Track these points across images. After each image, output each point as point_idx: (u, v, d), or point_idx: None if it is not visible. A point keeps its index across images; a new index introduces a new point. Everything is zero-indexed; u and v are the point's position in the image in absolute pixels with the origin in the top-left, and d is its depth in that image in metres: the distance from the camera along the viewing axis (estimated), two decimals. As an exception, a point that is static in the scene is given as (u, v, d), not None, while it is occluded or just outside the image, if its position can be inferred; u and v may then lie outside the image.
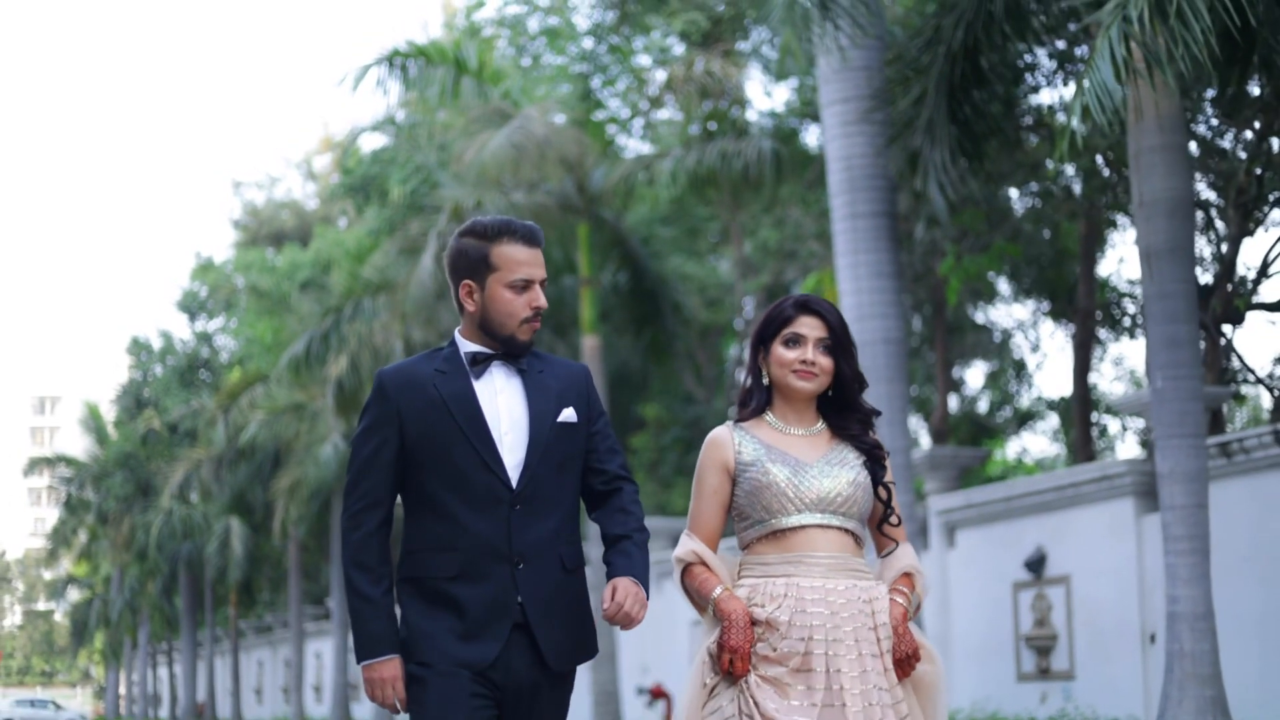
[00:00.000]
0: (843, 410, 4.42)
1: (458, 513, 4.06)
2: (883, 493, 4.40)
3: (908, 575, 4.39)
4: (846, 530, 4.32)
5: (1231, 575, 12.92)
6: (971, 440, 25.30)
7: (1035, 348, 24.48)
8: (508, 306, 4.14)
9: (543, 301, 4.16)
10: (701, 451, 4.42)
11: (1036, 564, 15.36)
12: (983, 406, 27.63)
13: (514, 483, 4.08)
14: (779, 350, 4.36)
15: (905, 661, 4.26)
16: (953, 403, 25.84)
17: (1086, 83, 9.93)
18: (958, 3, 13.63)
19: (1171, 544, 11.68)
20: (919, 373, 24.63)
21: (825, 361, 4.34)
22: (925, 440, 25.34)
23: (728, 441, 4.38)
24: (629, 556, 4.17)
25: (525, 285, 4.15)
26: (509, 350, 4.19)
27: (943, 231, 17.07)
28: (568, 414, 4.18)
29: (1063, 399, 25.55)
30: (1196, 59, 10.35)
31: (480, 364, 4.17)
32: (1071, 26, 14.88)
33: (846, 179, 14.94)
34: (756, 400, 4.43)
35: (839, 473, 4.33)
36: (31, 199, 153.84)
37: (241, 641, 46.30)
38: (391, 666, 4.05)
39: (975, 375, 27.18)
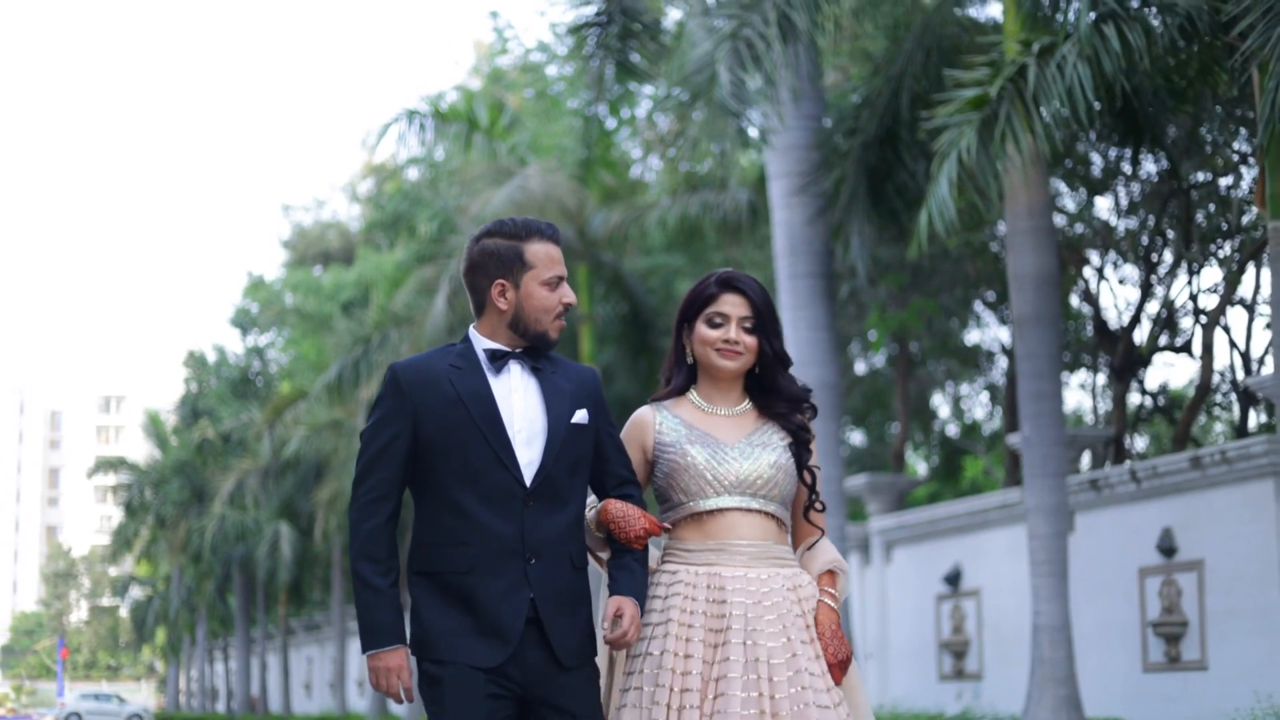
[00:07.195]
0: (769, 391, 4.32)
1: (471, 509, 4.02)
2: (807, 476, 4.31)
3: (831, 574, 4.30)
4: (769, 514, 4.23)
5: (1099, 594, 15.01)
6: (946, 460, 27.21)
7: (1006, 373, 26.34)
8: (544, 303, 4.11)
9: (572, 297, 4.14)
10: (623, 430, 4.35)
11: (954, 578, 17.48)
12: (968, 422, 29.45)
13: (528, 480, 4.04)
14: (702, 329, 4.27)
15: (841, 665, 4.17)
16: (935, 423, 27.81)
17: (931, 200, 12.04)
18: (872, 98, 15.78)
19: (1036, 566, 13.55)
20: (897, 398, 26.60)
21: (749, 340, 4.26)
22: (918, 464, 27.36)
23: (649, 422, 4.32)
24: (631, 572, 4.17)
25: (558, 281, 4.13)
26: (539, 346, 4.16)
27: (867, 291, 19.21)
28: (581, 415, 4.13)
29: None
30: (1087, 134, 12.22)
31: (498, 361, 4.12)
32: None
33: (788, 244, 16.45)
34: (678, 379, 4.36)
35: (760, 454, 4.23)
36: (103, 218, 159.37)
37: (291, 639, 47.58)
38: (398, 656, 4.00)
39: (962, 395, 29.02)
